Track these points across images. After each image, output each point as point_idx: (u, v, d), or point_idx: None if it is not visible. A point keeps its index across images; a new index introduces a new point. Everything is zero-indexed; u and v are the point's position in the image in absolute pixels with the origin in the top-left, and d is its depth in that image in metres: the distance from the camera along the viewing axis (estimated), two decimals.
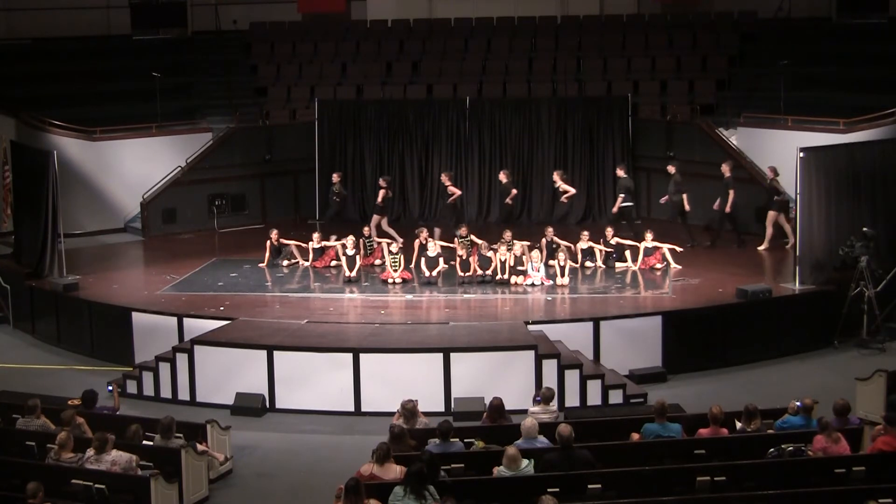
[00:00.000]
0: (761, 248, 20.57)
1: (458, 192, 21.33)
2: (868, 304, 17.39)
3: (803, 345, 17.50)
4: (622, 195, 21.22)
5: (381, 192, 21.58)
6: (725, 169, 20.95)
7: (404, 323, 16.89)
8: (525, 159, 24.31)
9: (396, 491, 10.10)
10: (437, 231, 20.64)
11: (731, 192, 20.75)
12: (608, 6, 28.66)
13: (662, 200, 21.69)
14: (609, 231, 19.88)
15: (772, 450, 11.56)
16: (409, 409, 12.74)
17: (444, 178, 21.29)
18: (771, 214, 20.61)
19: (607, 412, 14.74)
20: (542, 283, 18.52)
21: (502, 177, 21.44)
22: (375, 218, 21.61)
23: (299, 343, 15.81)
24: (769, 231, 20.65)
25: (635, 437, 12.21)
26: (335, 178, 22.48)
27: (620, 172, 21.58)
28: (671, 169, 21.41)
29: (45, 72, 26.14)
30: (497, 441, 12.04)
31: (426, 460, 10.45)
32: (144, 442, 12.59)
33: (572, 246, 19.57)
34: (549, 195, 23.50)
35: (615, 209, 21.35)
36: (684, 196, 21.04)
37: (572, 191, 21.31)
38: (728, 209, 20.80)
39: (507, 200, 21.33)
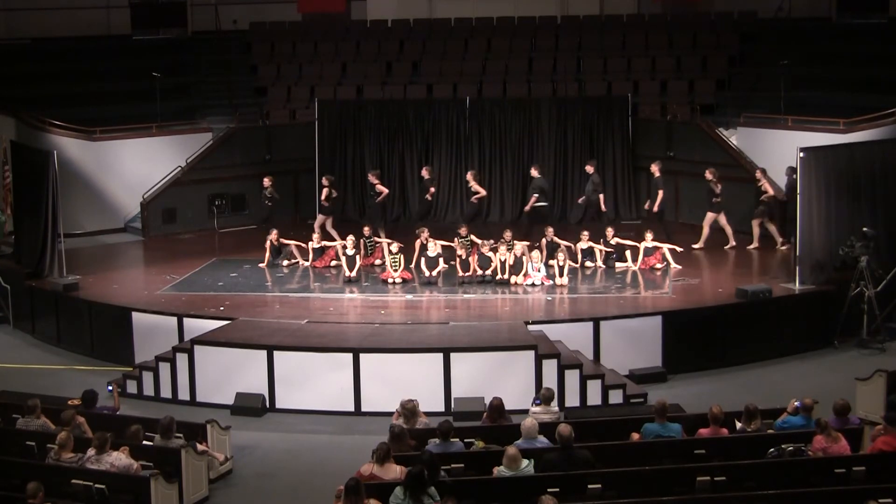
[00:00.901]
0: (696, 245, 20.71)
1: (386, 191, 21.62)
2: (868, 304, 17.39)
3: (803, 345, 17.50)
4: (535, 195, 21.24)
5: (325, 191, 21.53)
6: (654, 169, 21.27)
7: (404, 323, 16.89)
8: (525, 159, 24.29)
9: (396, 492, 10.09)
10: (366, 230, 20.65)
11: (661, 192, 21.01)
12: (608, 6, 28.69)
13: (580, 200, 21.73)
14: (609, 231, 19.88)
15: (772, 450, 11.56)
16: (409, 409, 12.74)
17: (372, 177, 21.52)
18: (709, 216, 20.77)
19: (607, 412, 14.75)
20: (542, 283, 18.52)
21: (424, 173, 21.69)
22: (320, 218, 21.59)
23: (299, 343, 15.81)
24: (705, 231, 20.80)
25: (635, 436, 12.21)
26: (266, 181, 21.96)
27: (534, 172, 21.55)
28: (589, 168, 21.61)
29: (45, 72, 26.15)
30: (497, 441, 12.04)
31: (426, 460, 10.46)
32: (144, 442, 12.59)
33: (572, 246, 19.58)
34: (550, 195, 23.59)
35: (527, 208, 21.34)
36: (601, 196, 21.34)
37: (482, 192, 21.67)
38: (656, 208, 21.08)
39: (427, 196, 21.55)
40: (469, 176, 21.76)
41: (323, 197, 21.54)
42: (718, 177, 20.66)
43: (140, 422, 12.91)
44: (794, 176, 20.12)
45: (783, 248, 20.40)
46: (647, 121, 24.43)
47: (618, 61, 26.51)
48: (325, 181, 21.67)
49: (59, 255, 19.20)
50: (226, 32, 28.96)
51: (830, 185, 18.11)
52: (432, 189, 21.73)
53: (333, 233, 21.21)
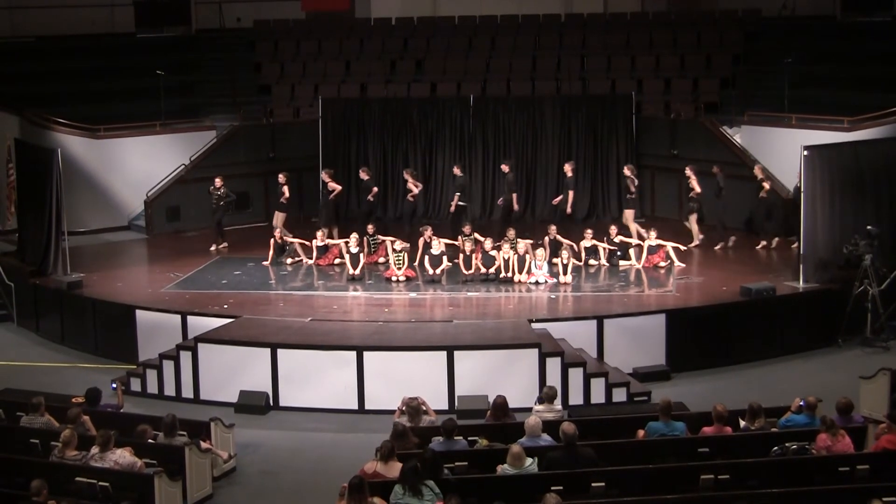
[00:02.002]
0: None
1: (339, 188, 21.70)
2: (872, 303, 17.37)
3: (807, 343, 17.48)
4: (458, 194, 21.37)
5: (286, 189, 21.54)
6: (568, 169, 21.39)
7: (408, 321, 16.88)
8: (529, 157, 24.31)
9: (396, 490, 10.11)
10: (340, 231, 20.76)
11: (571, 193, 21.13)
12: (612, 4, 28.72)
13: (499, 202, 21.84)
14: (613, 229, 19.87)
15: (775, 448, 11.55)
16: (413, 408, 12.77)
17: (325, 175, 21.55)
18: (626, 213, 20.99)
19: (611, 410, 14.74)
20: (546, 282, 18.52)
21: (363, 174, 21.77)
22: (282, 216, 21.57)
23: (303, 341, 15.81)
24: (632, 228, 20.90)
25: (641, 433, 12.19)
26: (218, 181, 21.65)
27: (457, 171, 21.73)
28: (505, 168, 21.64)
29: (50, 70, 26.15)
30: (501, 439, 12.05)
31: (428, 458, 10.47)
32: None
33: (575, 245, 19.56)
34: (553, 193, 23.61)
35: (452, 208, 21.45)
36: (514, 196, 21.44)
37: (416, 190, 21.79)
38: (569, 210, 21.18)
39: (369, 197, 21.63)
40: (406, 174, 21.89)
41: (286, 195, 21.57)
42: (636, 174, 21.01)
43: (144, 420, 12.93)
44: (632, 175, 20.66)
45: (693, 246, 20.56)
46: (651, 119, 24.40)
47: (622, 59, 26.49)
48: (281, 178, 21.66)
49: (62, 253, 19.22)
50: (229, 30, 28.99)
51: (835, 183, 18.10)
52: (375, 189, 21.82)
53: (284, 230, 21.14)
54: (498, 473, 10.93)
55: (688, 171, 20.82)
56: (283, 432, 14.91)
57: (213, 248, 21.45)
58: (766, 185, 20.51)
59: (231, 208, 22.45)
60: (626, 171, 21.11)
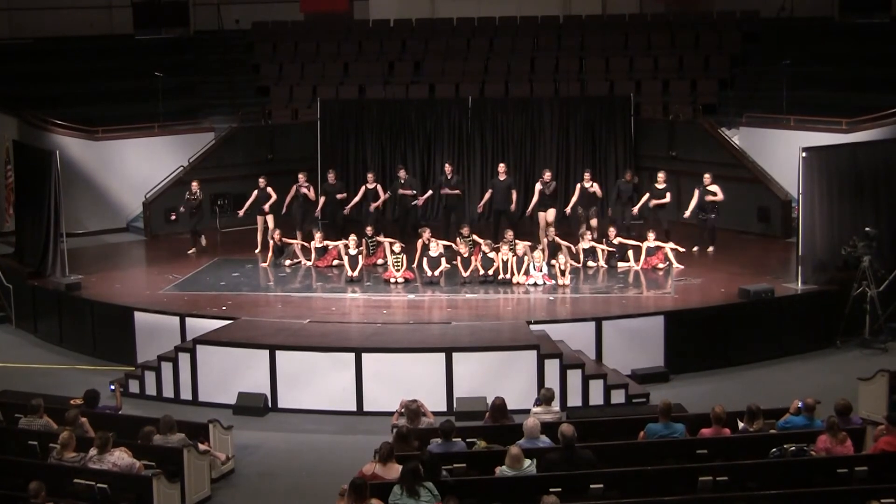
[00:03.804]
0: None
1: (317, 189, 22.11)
2: (870, 304, 17.38)
3: (805, 345, 17.48)
4: (415, 192, 21.71)
5: (269, 189, 21.56)
6: (501, 169, 21.56)
7: (406, 323, 16.89)
8: (527, 159, 24.30)
9: (395, 490, 10.11)
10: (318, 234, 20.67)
11: (514, 192, 21.33)
12: (610, 6, 28.75)
13: (419, 202, 22.17)
14: (611, 231, 19.88)
15: (774, 450, 11.55)
16: (412, 410, 12.76)
17: (301, 178, 21.69)
18: (539, 215, 21.08)
19: (609, 412, 14.74)
20: (545, 283, 18.52)
21: (330, 178, 21.94)
22: (271, 219, 21.55)
23: (301, 343, 15.80)
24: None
25: (642, 436, 12.19)
26: (195, 185, 21.50)
27: (402, 173, 21.94)
28: (448, 168, 22.06)
29: (48, 71, 26.19)
30: (499, 441, 12.03)
31: (426, 459, 10.47)
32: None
33: (573, 247, 19.56)
34: (552, 195, 23.60)
35: (420, 202, 21.96)
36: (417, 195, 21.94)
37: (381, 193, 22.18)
38: (479, 208, 21.97)
39: (351, 195, 21.95)
40: (370, 176, 22.07)
41: (275, 197, 21.57)
42: (551, 178, 21.32)
43: (143, 421, 12.92)
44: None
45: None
46: (650, 120, 24.40)
47: (620, 61, 26.51)
48: (261, 182, 21.62)
49: (61, 255, 19.22)
50: (228, 32, 29.02)
51: (833, 184, 18.11)
52: (345, 195, 21.97)
53: (266, 232, 21.19)
54: (496, 475, 10.92)
55: (586, 176, 21.15)
56: (282, 434, 14.90)
57: (190, 251, 21.40)
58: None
59: (227, 210, 22.45)
60: (546, 176, 21.19)
